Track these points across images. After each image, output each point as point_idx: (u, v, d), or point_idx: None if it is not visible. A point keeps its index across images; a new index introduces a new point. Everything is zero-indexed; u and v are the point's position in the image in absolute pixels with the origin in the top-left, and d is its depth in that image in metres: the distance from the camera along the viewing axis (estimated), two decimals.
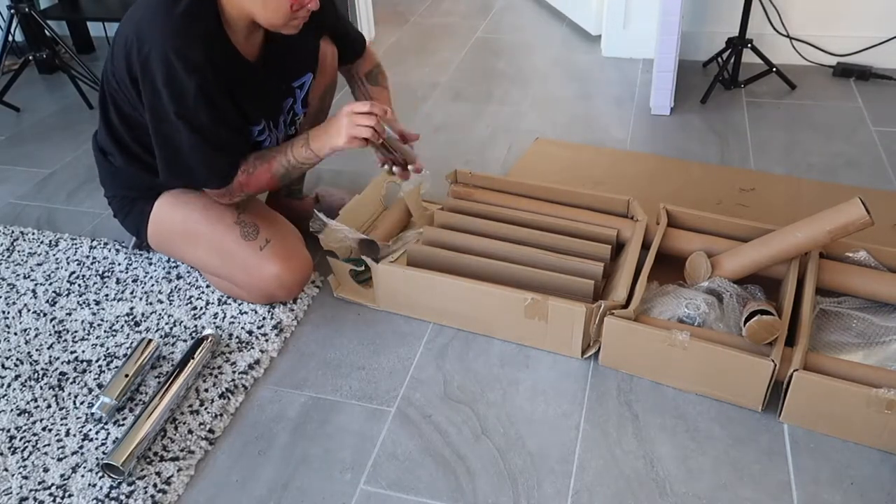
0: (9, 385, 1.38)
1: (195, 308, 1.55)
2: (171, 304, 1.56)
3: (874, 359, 1.30)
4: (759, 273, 1.45)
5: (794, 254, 1.40)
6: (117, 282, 1.64)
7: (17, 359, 1.44)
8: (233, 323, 1.50)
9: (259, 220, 1.50)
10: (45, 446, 1.26)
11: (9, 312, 1.57)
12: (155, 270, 1.66)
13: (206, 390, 1.34)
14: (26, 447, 1.26)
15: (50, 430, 1.29)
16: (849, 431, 1.20)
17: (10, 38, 2.51)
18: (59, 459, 1.23)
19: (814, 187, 1.85)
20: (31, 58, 2.58)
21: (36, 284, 1.64)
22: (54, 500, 1.16)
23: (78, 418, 1.31)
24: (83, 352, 1.45)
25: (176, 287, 1.61)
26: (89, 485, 1.18)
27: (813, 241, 1.36)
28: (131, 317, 1.54)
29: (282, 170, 1.41)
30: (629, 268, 1.43)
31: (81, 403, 1.34)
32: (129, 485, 1.18)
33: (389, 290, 1.50)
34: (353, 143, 1.34)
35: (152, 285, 1.62)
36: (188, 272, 1.65)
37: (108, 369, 1.41)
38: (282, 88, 1.49)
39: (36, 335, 1.50)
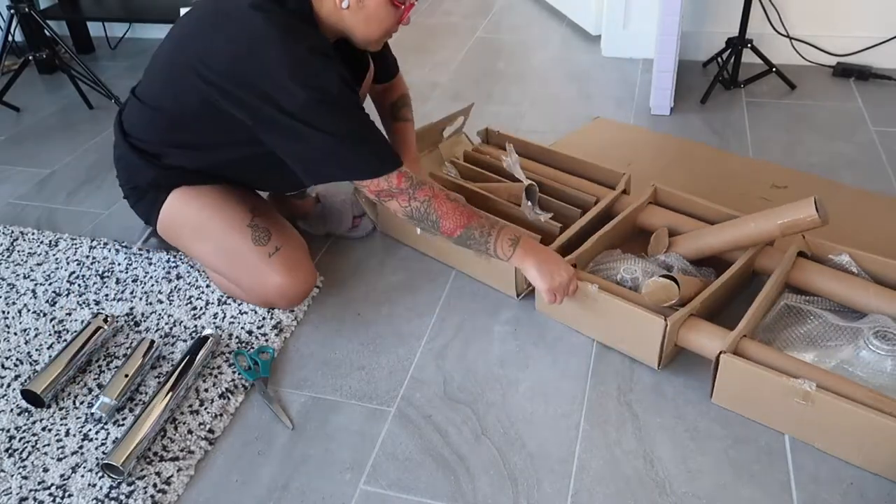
0: (9, 385, 1.38)
1: (195, 308, 1.55)
2: (171, 304, 1.56)
3: (830, 361, 1.29)
4: (727, 257, 1.50)
5: (747, 242, 1.44)
6: (117, 282, 1.64)
7: (17, 359, 1.44)
8: (233, 323, 1.50)
9: (272, 226, 1.49)
10: (44, 446, 1.26)
11: (9, 312, 1.57)
12: (155, 270, 1.66)
13: (206, 390, 1.34)
14: (26, 447, 1.26)
15: (50, 430, 1.29)
16: (770, 418, 1.23)
17: (10, 38, 2.51)
18: (59, 459, 1.23)
19: (849, 193, 1.82)
20: (31, 58, 2.58)
21: (36, 284, 1.64)
22: (54, 500, 1.16)
23: (78, 418, 1.31)
24: None
25: (176, 287, 1.61)
26: (89, 485, 1.18)
27: (765, 233, 1.40)
28: (131, 317, 1.54)
29: (475, 233, 1.34)
30: (586, 228, 1.57)
31: (81, 403, 1.34)
32: (129, 485, 1.18)
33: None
34: (546, 297, 1.35)
35: (152, 285, 1.62)
36: (188, 272, 1.65)
37: (108, 369, 1.41)
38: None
39: (36, 335, 1.50)
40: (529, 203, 1.59)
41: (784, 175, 1.89)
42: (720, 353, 1.23)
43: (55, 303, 1.59)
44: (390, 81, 1.65)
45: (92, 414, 1.31)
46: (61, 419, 1.31)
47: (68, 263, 1.70)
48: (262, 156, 1.38)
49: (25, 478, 1.20)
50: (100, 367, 1.42)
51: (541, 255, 1.36)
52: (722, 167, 1.95)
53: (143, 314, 1.54)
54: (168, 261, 1.69)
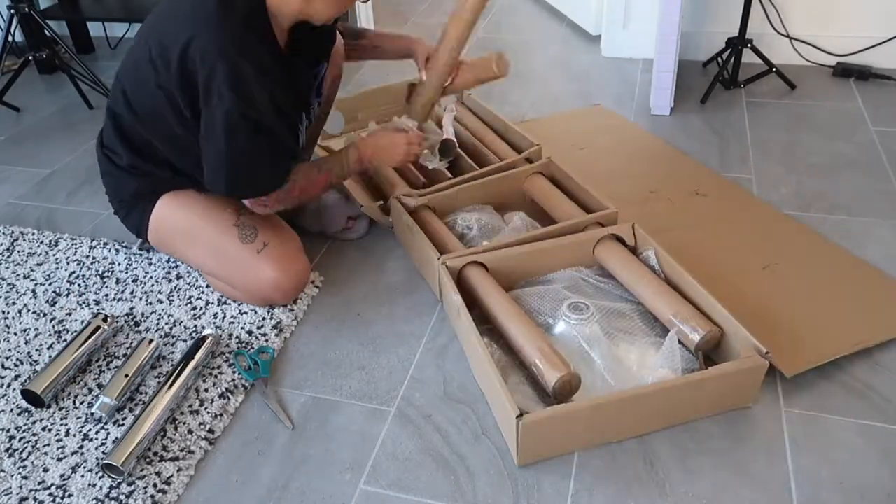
0: (9, 385, 1.38)
1: (195, 308, 1.55)
2: (171, 304, 1.56)
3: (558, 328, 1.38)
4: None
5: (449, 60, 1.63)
6: (117, 282, 1.64)
7: (17, 359, 1.44)
8: (233, 323, 1.50)
9: (258, 222, 1.50)
10: (44, 446, 1.26)
11: (9, 312, 1.56)
12: (155, 270, 1.66)
13: (206, 390, 1.34)
14: (26, 447, 1.26)
15: (50, 430, 1.29)
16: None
17: (10, 38, 2.51)
18: (59, 459, 1.23)
19: (761, 211, 1.84)
20: (31, 58, 2.58)
21: (36, 284, 1.64)
22: (54, 500, 1.16)
23: (78, 418, 1.31)
24: None
25: (176, 287, 1.61)
26: (89, 485, 1.18)
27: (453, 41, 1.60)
28: (131, 317, 1.54)
29: (335, 179, 1.52)
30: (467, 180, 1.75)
31: (81, 403, 1.34)
32: (129, 485, 1.17)
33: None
34: (405, 164, 1.62)
35: (152, 285, 1.62)
36: (188, 272, 1.65)
37: (108, 369, 1.41)
38: (309, 79, 1.52)
39: (36, 335, 1.50)
40: (438, 156, 1.83)
41: (713, 184, 1.89)
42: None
43: (55, 303, 1.59)
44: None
45: (92, 414, 1.31)
46: (61, 419, 1.31)
47: (68, 263, 1.70)
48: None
49: (25, 478, 1.20)
50: (100, 367, 1.42)
51: (378, 144, 1.56)
52: (666, 166, 1.98)
53: (143, 314, 1.54)
54: (168, 261, 1.69)
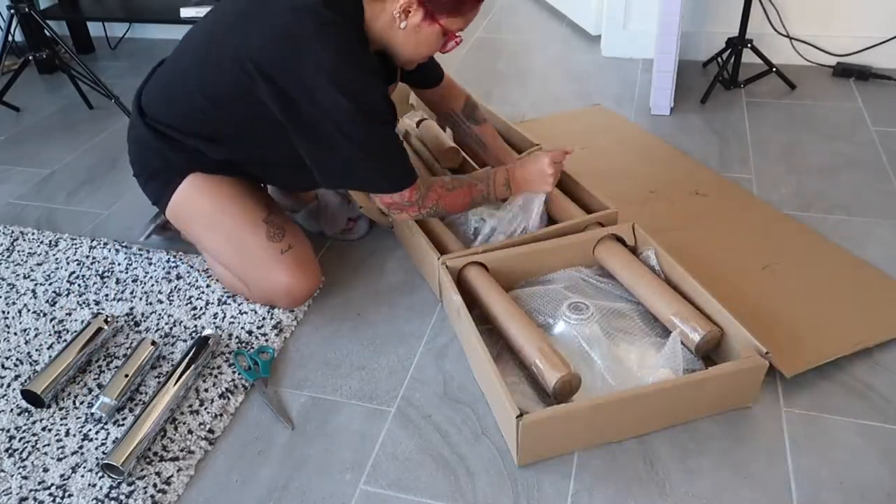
0: (9, 385, 1.38)
1: (195, 308, 1.55)
2: (171, 304, 1.56)
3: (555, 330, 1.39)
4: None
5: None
6: (117, 282, 1.64)
7: (17, 359, 1.44)
8: (233, 323, 1.50)
9: (285, 224, 1.50)
10: (44, 446, 1.26)
11: (9, 312, 1.57)
12: (155, 270, 1.66)
13: (206, 390, 1.34)
14: (26, 447, 1.26)
15: (50, 430, 1.29)
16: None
17: (10, 38, 2.51)
18: (59, 459, 1.23)
19: (764, 212, 1.84)
20: (31, 58, 2.58)
21: (36, 284, 1.64)
22: (54, 500, 1.16)
23: (78, 418, 1.31)
24: None
25: (176, 287, 1.61)
26: (89, 485, 1.18)
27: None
28: (131, 317, 1.54)
29: (479, 199, 1.52)
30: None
31: (81, 403, 1.34)
32: (129, 485, 1.18)
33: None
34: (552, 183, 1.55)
35: (152, 285, 1.62)
36: (188, 272, 1.65)
37: (108, 369, 1.41)
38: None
39: (36, 335, 1.50)
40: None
41: (713, 184, 1.89)
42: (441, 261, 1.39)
43: (55, 303, 1.59)
44: (439, 85, 1.70)
45: (92, 414, 1.31)
46: (61, 419, 1.31)
47: (68, 263, 1.70)
48: (284, 153, 1.39)
49: (25, 478, 1.20)
50: (100, 367, 1.42)
51: (525, 172, 1.55)
52: (665, 165, 1.98)
53: (143, 314, 1.54)
54: (168, 261, 1.69)
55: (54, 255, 1.74)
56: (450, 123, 1.74)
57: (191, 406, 1.31)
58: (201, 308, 1.54)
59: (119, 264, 1.69)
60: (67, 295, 1.61)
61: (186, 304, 1.56)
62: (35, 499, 1.17)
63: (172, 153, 1.45)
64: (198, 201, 1.47)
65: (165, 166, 1.48)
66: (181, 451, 1.23)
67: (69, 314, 1.55)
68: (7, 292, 1.63)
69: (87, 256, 1.72)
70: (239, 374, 1.38)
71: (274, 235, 1.46)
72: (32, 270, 1.69)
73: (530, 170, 1.54)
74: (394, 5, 1.29)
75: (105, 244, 1.76)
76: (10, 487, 1.19)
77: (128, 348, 1.46)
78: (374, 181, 1.40)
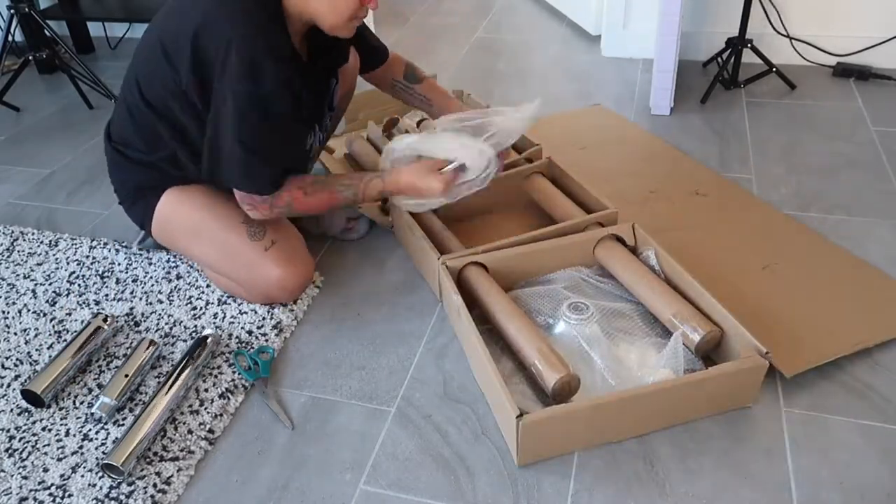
0: (9, 385, 1.38)
1: (195, 308, 1.55)
2: (171, 304, 1.56)
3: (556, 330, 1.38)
4: None
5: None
6: (117, 282, 1.64)
7: (17, 359, 1.44)
8: (233, 323, 1.50)
9: (266, 220, 1.50)
10: (44, 446, 1.26)
11: (9, 312, 1.56)
12: (155, 270, 1.66)
13: (206, 390, 1.34)
14: (26, 447, 1.26)
15: (50, 430, 1.29)
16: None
17: (10, 38, 2.51)
18: (59, 459, 1.23)
19: (763, 212, 1.84)
20: (31, 58, 2.58)
21: (36, 284, 1.64)
22: (54, 500, 1.16)
23: (78, 418, 1.31)
24: None
25: (176, 287, 1.61)
26: (89, 485, 1.18)
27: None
28: (131, 317, 1.54)
29: (341, 201, 1.46)
30: None
31: (81, 403, 1.34)
32: (129, 485, 1.17)
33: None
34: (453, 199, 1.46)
35: (152, 285, 1.62)
36: (188, 272, 1.65)
37: (108, 369, 1.41)
38: (323, 90, 1.52)
39: (36, 335, 1.50)
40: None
41: (713, 184, 1.89)
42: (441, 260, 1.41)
43: (55, 303, 1.59)
44: (385, 63, 1.68)
45: (92, 414, 1.31)
46: (61, 419, 1.31)
47: (68, 263, 1.70)
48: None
49: (25, 478, 1.20)
50: (100, 367, 1.42)
51: (408, 182, 1.43)
52: (668, 166, 1.98)
53: (143, 314, 1.54)
54: (168, 261, 1.69)
55: (54, 255, 1.74)
56: (395, 92, 1.73)
57: (191, 406, 1.31)
58: (201, 308, 1.54)
59: (119, 264, 1.69)
60: (67, 295, 1.61)
61: (186, 304, 1.56)
62: (35, 499, 1.17)
63: (145, 171, 1.50)
64: (177, 216, 1.50)
65: (141, 187, 1.52)
66: (181, 451, 1.23)
67: (69, 314, 1.55)
68: (7, 292, 1.63)
69: (87, 256, 1.72)
70: (239, 374, 1.38)
71: (255, 234, 1.47)
72: (32, 270, 1.69)
73: (417, 183, 1.42)
74: None
75: (105, 244, 1.76)
76: (10, 487, 1.18)
77: (128, 348, 1.46)
78: (235, 175, 1.37)
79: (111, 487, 1.17)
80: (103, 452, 1.24)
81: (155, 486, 1.17)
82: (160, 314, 1.54)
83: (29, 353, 1.46)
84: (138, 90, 1.42)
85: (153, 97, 1.40)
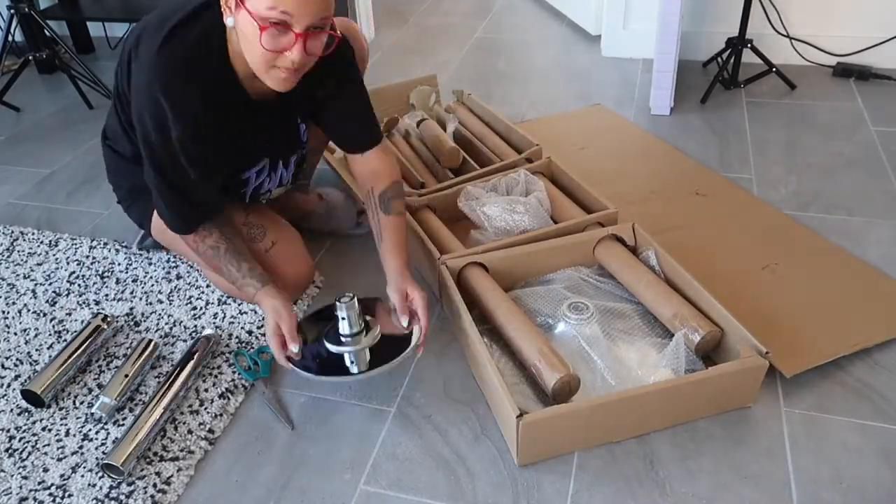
0: (9, 385, 1.38)
1: (195, 308, 1.55)
2: (171, 304, 1.56)
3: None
4: None
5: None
6: (117, 282, 1.64)
7: (17, 359, 1.44)
8: (233, 323, 1.50)
9: (266, 222, 1.50)
10: (44, 446, 1.26)
11: (9, 312, 1.56)
12: (155, 270, 1.66)
13: (206, 390, 1.34)
14: (26, 447, 1.26)
15: (50, 430, 1.29)
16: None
17: (10, 38, 2.51)
18: (59, 459, 1.23)
19: (767, 213, 1.84)
20: (31, 58, 2.58)
21: (36, 284, 1.64)
22: (54, 500, 1.16)
23: (78, 418, 1.31)
24: None
25: (176, 287, 1.61)
26: (89, 485, 1.18)
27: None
28: (131, 317, 1.54)
29: (225, 277, 1.37)
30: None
31: (81, 403, 1.34)
32: (129, 485, 1.17)
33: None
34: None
35: (152, 285, 1.62)
36: (188, 272, 1.65)
37: (108, 369, 1.41)
38: (294, 128, 1.46)
39: (36, 335, 1.50)
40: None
41: (713, 184, 1.88)
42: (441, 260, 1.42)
43: (55, 303, 1.59)
44: (367, 154, 1.44)
45: (92, 414, 1.31)
46: (61, 419, 1.31)
47: (68, 263, 1.70)
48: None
49: (25, 478, 1.20)
50: (100, 367, 1.42)
51: (265, 311, 1.30)
52: (671, 166, 1.98)
53: (143, 314, 1.54)
54: (168, 261, 1.69)
55: (54, 255, 1.74)
56: (365, 202, 1.46)
57: (191, 406, 1.31)
58: (201, 308, 1.54)
59: (119, 264, 1.69)
60: (67, 295, 1.61)
61: (186, 304, 1.56)
62: (35, 499, 1.17)
63: (136, 173, 1.47)
64: None
65: (138, 187, 1.49)
66: (181, 451, 1.23)
67: (69, 314, 1.55)
68: (7, 292, 1.63)
69: (87, 256, 1.72)
70: (239, 374, 1.38)
71: (255, 236, 1.47)
72: (32, 270, 1.69)
73: (266, 309, 1.30)
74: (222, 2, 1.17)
75: (105, 244, 1.76)
76: (10, 487, 1.18)
77: (128, 348, 1.46)
78: (160, 209, 1.35)
79: (111, 487, 1.17)
80: (103, 452, 1.24)
81: (155, 486, 1.17)
82: (160, 314, 1.54)
83: (29, 353, 1.46)
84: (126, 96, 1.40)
85: (125, 112, 1.41)
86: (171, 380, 1.31)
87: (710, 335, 1.29)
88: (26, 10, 2.45)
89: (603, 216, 1.57)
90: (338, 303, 1.26)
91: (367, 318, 1.33)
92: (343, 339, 1.29)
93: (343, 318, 1.27)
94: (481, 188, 1.69)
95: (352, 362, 1.27)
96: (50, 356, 1.44)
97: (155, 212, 1.50)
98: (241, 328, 1.48)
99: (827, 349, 1.34)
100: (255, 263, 1.37)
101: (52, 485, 1.19)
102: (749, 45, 2.33)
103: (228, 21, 1.17)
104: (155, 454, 1.23)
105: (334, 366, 1.27)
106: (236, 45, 1.22)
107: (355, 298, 1.27)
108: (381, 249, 1.40)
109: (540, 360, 1.25)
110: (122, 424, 1.29)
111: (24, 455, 1.24)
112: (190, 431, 1.27)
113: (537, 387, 1.29)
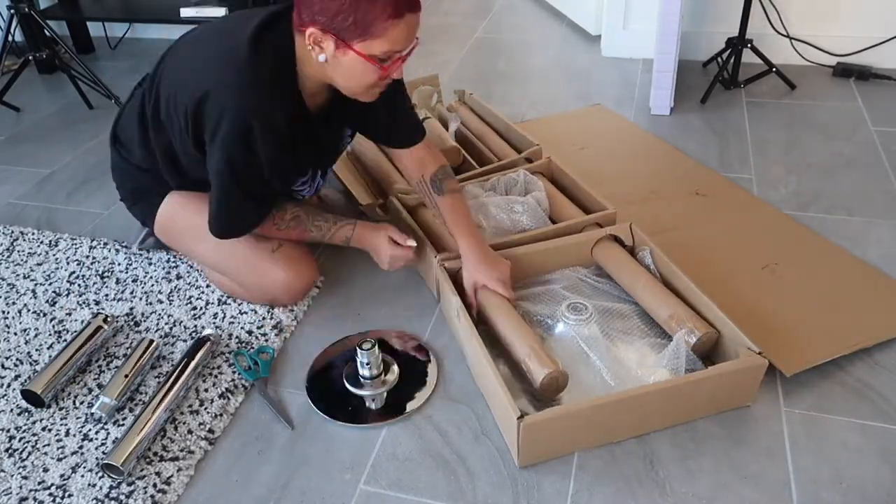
0: (9, 385, 1.38)
1: (195, 308, 1.55)
2: (171, 304, 1.56)
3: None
4: None
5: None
6: (117, 282, 1.64)
7: (17, 359, 1.44)
8: (233, 323, 1.50)
9: None
10: (44, 446, 1.26)
11: (9, 312, 1.57)
12: (155, 270, 1.66)
13: (206, 390, 1.34)
14: (26, 447, 1.26)
15: (50, 430, 1.29)
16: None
17: (10, 38, 2.51)
18: (59, 459, 1.23)
19: (769, 214, 1.84)
20: (31, 58, 2.58)
21: (36, 284, 1.64)
22: (54, 500, 1.16)
23: (78, 418, 1.31)
24: None
25: (176, 287, 1.61)
26: (89, 485, 1.18)
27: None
28: (131, 317, 1.54)
29: (315, 238, 1.49)
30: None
31: (81, 403, 1.34)
32: (129, 485, 1.18)
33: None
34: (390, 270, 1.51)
35: (152, 285, 1.62)
36: (188, 272, 1.65)
37: (108, 369, 1.41)
38: (338, 141, 1.51)
39: (36, 335, 1.50)
40: None
41: (712, 184, 1.89)
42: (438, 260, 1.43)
43: (55, 303, 1.59)
44: (413, 147, 1.52)
45: (92, 414, 1.31)
46: (61, 419, 1.31)
47: (68, 263, 1.70)
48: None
49: (25, 478, 1.20)
50: (100, 367, 1.42)
51: (366, 239, 1.49)
52: (671, 167, 1.97)
53: (143, 314, 1.54)
54: (168, 261, 1.69)
55: (54, 255, 1.74)
56: (415, 186, 1.57)
57: (191, 406, 1.31)
58: (201, 308, 1.54)
59: (119, 264, 1.69)
60: (67, 295, 1.61)
61: (186, 304, 1.56)
62: (35, 499, 1.17)
63: (142, 179, 1.51)
64: (182, 216, 1.51)
65: (144, 189, 1.53)
66: (181, 451, 1.23)
67: (69, 314, 1.55)
68: (7, 292, 1.63)
69: (87, 256, 1.72)
70: (239, 374, 1.38)
71: (262, 237, 1.47)
72: (32, 270, 1.69)
73: (371, 238, 1.49)
74: (307, 40, 1.21)
75: (105, 244, 1.76)
76: (10, 487, 1.19)
77: (128, 348, 1.46)
78: (215, 228, 1.39)
79: (111, 487, 1.17)
80: (103, 452, 1.24)
81: (155, 486, 1.17)
82: (160, 314, 1.54)
83: (29, 353, 1.46)
84: (155, 108, 1.39)
85: (156, 125, 1.40)
86: (171, 380, 1.31)
87: (707, 336, 1.29)
88: (26, 10, 2.44)
89: (601, 217, 1.57)
90: (359, 349, 1.31)
91: (386, 358, 1.39)
92: (363, 380, 1.34)
93: (365, 364, 1.33)
94: (480, 187, 1.69)
95: (373, 401, 1.33)
96: (50, 356, 1.44)
97: (160, 211, 1.51)
98: (241, 328, 1.48)
99: (826, 349, 1.34)
100: (333, 212, 1.52)
101: (52, 485, 1.19)
102: (749, 45, 2.33)
103: (320, 58, 1.22)
104: (155, 454, 1.23)
105: (354, 406, 1.32)
106: (310, 67, 1.27)
107: (376, 346, 1.32)
108: (450, 232, 1.50)
109: (530, 357, 1.25)
110: (122, 424, 1.29)
111: (24, 455, 1.24)
112: (190, 431, 1.27)
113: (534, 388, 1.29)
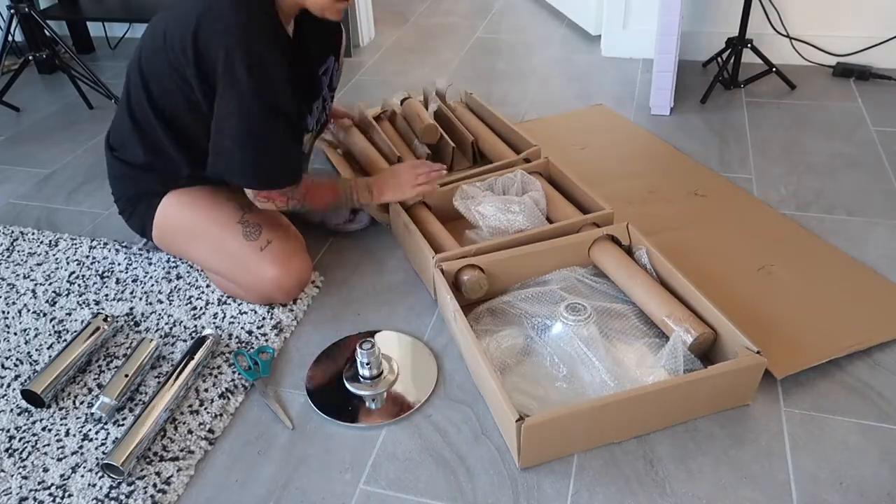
0: (9, 385, 1.39)
1: (195, 308, 1.55)
2: (171, 304, 1.56)
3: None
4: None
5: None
6: (117, 282, 1.64)
7: (17, 359, 1.44)
8: (233, 323, 1.50)
9: (263, 220, 1.50)
10: (44, 446, 1.26)
11: (9, 312, 1.57)
12: (155, 270, 1.66)
13: (206, 390, 1.34)
14: (26, 447, 1.26)
15: (50, 430, 1.29)
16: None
17: (10, 38, 2.51)
18: (59, 459, 1.23)
19: (769, 215, 1.84)
20: (31, 58, 2.58)
21: (36, 284, 1.64)
22: (54, 500, 1.16)
23: (78, 418, 1.31)
24: None
25: (176, 287, 1.61)
26: (89, 485, 1.18)
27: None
28: (131, 317, 1.54)
29: (342, 200, 1.57)
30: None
31: (81, 403, 1.34)
32: (129, 485, 1.18)
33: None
34: (418, 197, 1.62)
35: (152, 285, 1.62)
36: (188, 272, 1.65)
37: (108, 369, 1.41)
38: (317, 71, 1.54)
39: (36, 335, 1.50)
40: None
41: (712, 184, 1.89)
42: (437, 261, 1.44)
43: (55, 303, 1.59)
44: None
45: (92, 414, 1.31)
46: (61, 419, 1.31)
47: (68, 263, 1.70)
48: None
49: (25, 478, 1.20)
50: (100, 367, 1.42)
51: (388, 179, 1.62)
52: (670, 166, 1.98)
53: (143, 314, 1.54)
54: (168, 261, 1.69)
55: (54, 255, 1.74)
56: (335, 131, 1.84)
57: (191, 406, 1.31)
58: (201, 308, 1.55)
59: (119, 264, 1.69)
60: (67, 295, 1.61)
61: (186, 304, 1.56)
62: (35, 499, 1.17)
63: (141, 179, 1.51)
64: (175, 218, 1.51)
65: (141, 193, 1.53)
66: (181, 451, 1.23)
67: (69, 314, 1.55)
68: (7, 292, 1.63)
69: (87, 256, 1.72)
70: (239, 374, 1.38)
71: (250, 234, 1.48)
72: (32, 270, 1.69)
73: (389, 180, 1.61)
74: None
75: (105, 244, 1.76)
76: (10, 487, 1.19)
77: (128, 348, 1.46)
78: (244, 173, 1.40)
79: (111, 487, 1.17)
80: (103, 452, 1.24)
81: (155, 486, 1.17)
82: (160, 314, 1.54)
83: (29, 353, 1.46)
84: (146, 94, 1.42)
85: (164, 102, 1.41)
86: (171, 380, 1.31)
87: (703, 336, 1.29)
88: (26, 10, 2.45)
89: (598, 217, 1.57)
90: (359, 349, 1.32)
91: (386, 357, 1.40)
92: (363, 380, 1.35)
93: (365, 364, 1.33)
94: (477, 187, 1.69)
95: (373, 401, 1.33)
96: (50, 356, 1.44)
97: (156, 217, 1.52)
98: (241, 328, 1.48)
99: (822, 351, 1.34)
100: (344, 181, 1.61)
101: (52, 485, 1.19)
102: (749, 45, 2.33)
103: None
104: (155, 454, 1.23)
105: (353, 406, 1.32)
106: None
107: (376, 346, 1.33)
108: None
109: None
110: (122, 424, 1.29)
111: (24, 455, 1.24)
112: (190, 431, 1.27)
113: (531, 379, 1.29)
